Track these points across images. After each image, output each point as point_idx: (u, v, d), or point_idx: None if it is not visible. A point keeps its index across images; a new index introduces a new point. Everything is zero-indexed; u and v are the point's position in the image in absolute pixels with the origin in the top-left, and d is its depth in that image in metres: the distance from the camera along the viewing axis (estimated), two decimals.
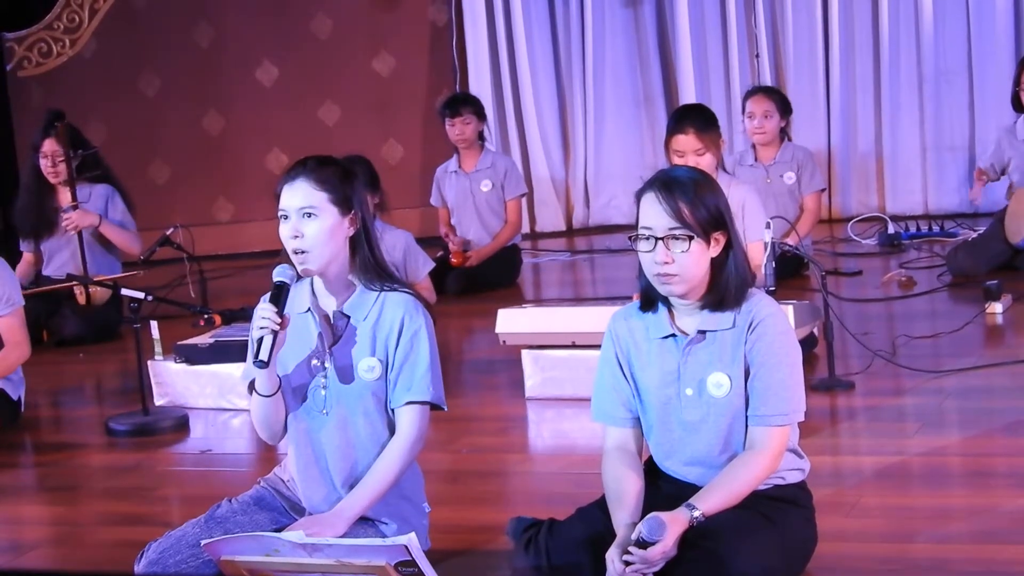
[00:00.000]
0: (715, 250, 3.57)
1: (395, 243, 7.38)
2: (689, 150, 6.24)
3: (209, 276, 9.02)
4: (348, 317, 3.87)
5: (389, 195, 7.65)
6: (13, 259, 8.33)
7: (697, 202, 3.52)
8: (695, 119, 6.30)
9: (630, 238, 3.63)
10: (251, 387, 3.88)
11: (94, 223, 8.37)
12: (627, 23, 11.79)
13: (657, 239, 3.54)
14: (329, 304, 3.90)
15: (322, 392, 3.87)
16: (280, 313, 3.74)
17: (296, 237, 3.78)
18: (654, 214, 3.54)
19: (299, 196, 3.79)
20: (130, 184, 9.00)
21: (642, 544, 3.38)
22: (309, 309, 3.89)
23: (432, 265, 7.25)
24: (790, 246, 6.71)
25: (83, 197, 8.38)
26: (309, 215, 3.78)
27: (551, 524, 3.66)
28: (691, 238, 3.52)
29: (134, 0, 12.40)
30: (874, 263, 9.11)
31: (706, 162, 6.26)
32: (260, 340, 3.71)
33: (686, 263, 3.53)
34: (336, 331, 3.88)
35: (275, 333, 3.72)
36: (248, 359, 3.92)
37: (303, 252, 3.78)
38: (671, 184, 3.55)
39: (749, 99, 8.81)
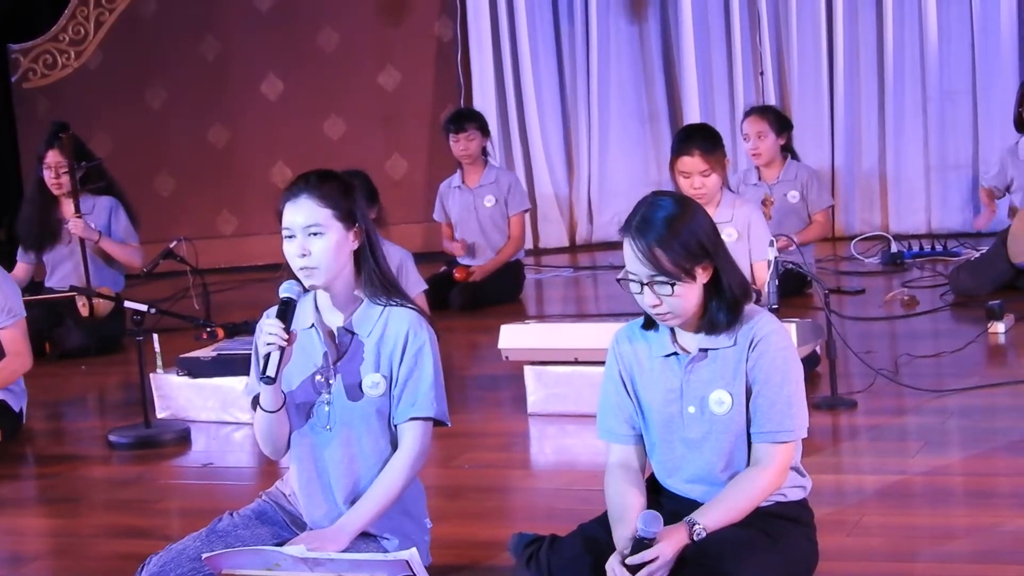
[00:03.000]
0: (704, 278, 3.57)
1: (389, 259, 7.26)
2: (695, 171, 6.25)
3: (212, 289, 9.03)
4: (352, 333, 3.87)
5: (393, 209, 7.65)
6: (10, 269, 8.34)
7: (673, 244, 3.49)
8: (701, 140, 6.31)
9: (619, 280, 3.63)
10: (255, 402, 3.88)
11: (93, 238, 8.37)
12: (632, 40, 11.82)
13: (643, 284, 3.55)
14: (333, 319, 3.90)
15: (326, 408, 3.87)
16: (287, 329, 3.74)
17: (304, 255, 3.77)
18: (633, 262, 3.54)
19: (304, 214, 3.78)
20: (134, 196, 9.01)
21: (639, 541, 3.38)
22: (313, 325, 3.88)
23: (424, 287, 7.12)
24: (793, 264, 6.72)
25: (87, 209, 8.39)
26: (315, 233, 3.78)
27: (553, 540, 3.65)
28: (673, 284, 3.52)
29: (140, 12, 12.43)
30: (877, 282, 9.11)
31: (712, 182, 6.27)
32: (267, 356, 3.71)
33: (675, 303, 3.54)
34: (340, 347, 3.88)
35: (282, 349, 3.72)
36: (251, 374, 3.92)
37: (310, 269, 3.78)
38: (644, 230, 3.52)
39: (744, 120, 8.84)
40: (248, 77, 12.34)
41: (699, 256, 3.53)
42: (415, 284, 6.95)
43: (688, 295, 3.55)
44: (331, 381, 3.86)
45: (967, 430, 5.55)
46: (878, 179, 11.15)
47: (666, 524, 3.44)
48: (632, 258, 3.54)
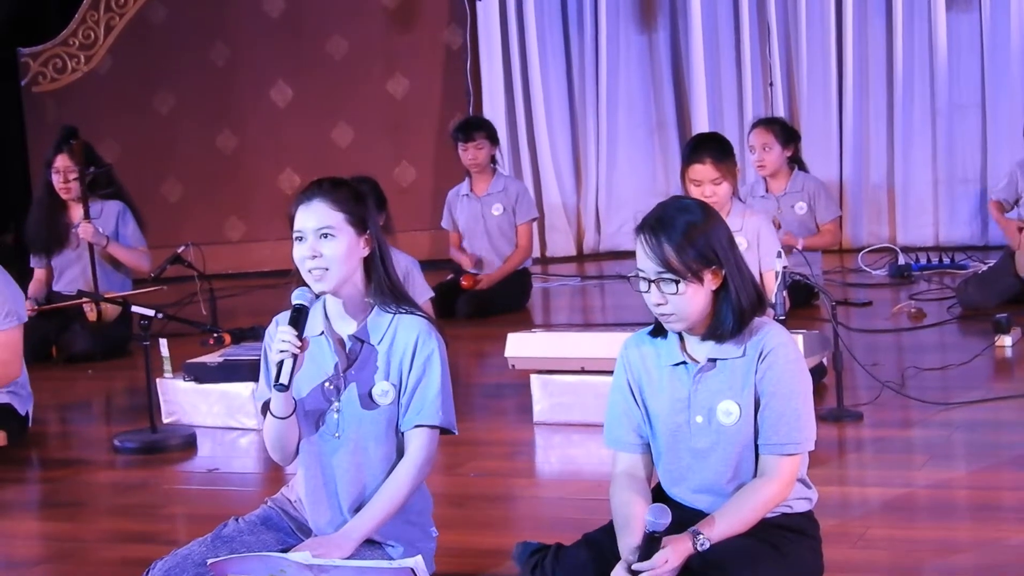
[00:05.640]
0: (713, 285, 3.57)
1: (395, 267, 7.23)
2: (706, 179, 6.25)
3: (219, 295, 9.02)
4: (363, 341, 3.87)
5: (401, 217, 7.64)
6: (25, 274, 8.35)
7: (684, 245, 3.51)
8: (712, 148, 6.31)
9: (628, 278, 3.64)
10: (264, 408, 3.88)
11: (102, 243, 8.38)
12: (641, 50, 11.83)
13: (650, 281, 3.55)
14: (343, 327, 3.90)
15: (335, 416, 3.87)
16: (300, 336, 3.74)
17: (314, 257, 3.78)
18: (644, 258, 3.56)
19: (316, 217, 3.79)
20: (142, 201, 9.02)
21: (649, 536, 3.37)
22: (323, 332, 3.88)
23: (430, 294, 7.13)
24: (801, 275, 6.71)
25: (95, 214, 8.40)
26: (327, 235, 3.78)
27: (557, 549, 3.65)
28: (678, 282, 3.52)
29: (150, 18, 12.45)
30: (884, 294, 9.11)
31: (723, 191, 6.26)
32: (280, 363, 3.71)
33: (679, 304, 3.54)
34: (350, 355, 3.88)
35: (295, 356, 3.72)
36: (260, 380, 3.93)
37: (321, 271, 3.78)
38: (658, 227, 3.54)
39: (750, 133, 8.84)
40: (257, 83, 12.36)
41: (709, 261, 3.53)
42: (421, 292, 6.95)
43: (694, 297, 3.54)
44: (340, 389, 3.86)
45: (973, 443, 5.55)
46: (886, 191, 11.15)
47: (671, 534, 3.43)
48: (642, 254, 3.56)
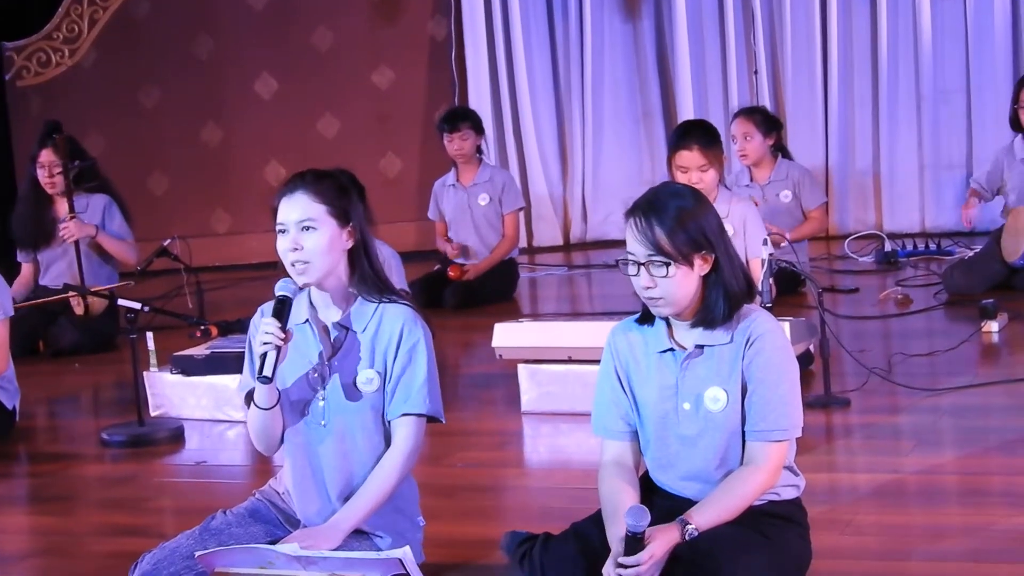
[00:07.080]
0: (702, 270, 3.57)
1: None
2: (693, 166, 6.24)
3: (206, 287, 9.01)
4: (347, 329, 3.87)
5: (387, 208, 7.64)
6: (11, 269, 8.33)
7: (676, 229, 3.51)
8: (699, 135, 6.31)
9: (617, 261, 3.64)
10: (248, 399, 3.87)
11: (91, 233, 8.37)
12: (626, 39, 11.82)
13: (639, 264, 3.55)
14: (328, 316, 3.90)
15: (320, 404, 3.87)
16: (283, 327, 3.73)
17: (296, 250, 3.77)
18: (634, 241, 3.55)
19: (298, 209, 3.79)
20: (128, 195, 8.99)
21: (630, 537, 3.37)
22: (307, 321, 3.88)
23: (403, 287, 7.13)
24: (787, 263, 6.71)
25: (80, 207, 8.38)
26: (308, 228, 3.78)
27: (546, 539, 3.65)
28: (668, 265, 3.52)
29: (134, 11, 12.41)
30: (871, 281, 9.11)
31: (709, 178, 6.26)
32: (263, 355, 3.71)
33: (668, 287, 3.54)
34: (335, 343, 3.88)
35: (279, 348, 3.71)
36: (244, 370, 3.92)
37: (302, 264, 3.78)
38: (650, 210, 3.54)
39: (732, 122, 8.83)
40: (242, 76, 12.33)
41: (700, 245, 3.53)
42: (397, 283, 6.92)
43: (683, 282, 3.54)
44: (326, 377, 3.86)
45: (960, 429, 5.56)
46: (872, 178, 11.15)
47: (659, 522, 3.43)
48: (632, 238, 3.55)
